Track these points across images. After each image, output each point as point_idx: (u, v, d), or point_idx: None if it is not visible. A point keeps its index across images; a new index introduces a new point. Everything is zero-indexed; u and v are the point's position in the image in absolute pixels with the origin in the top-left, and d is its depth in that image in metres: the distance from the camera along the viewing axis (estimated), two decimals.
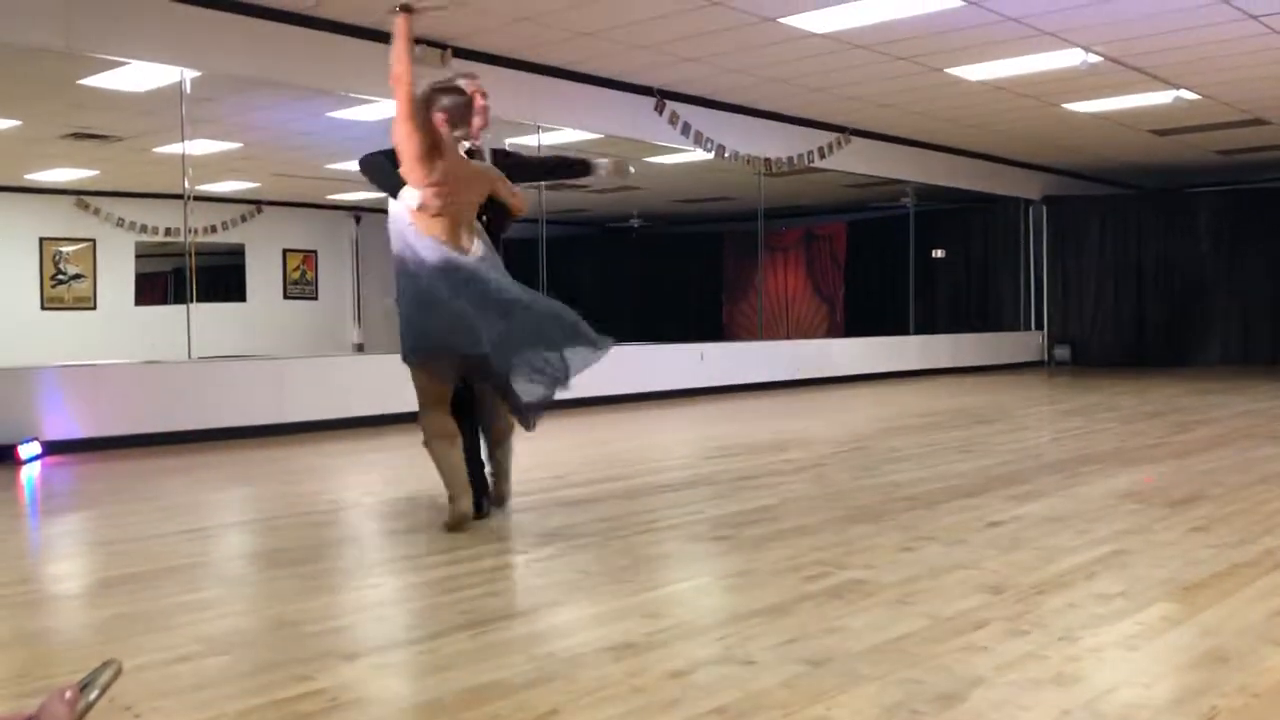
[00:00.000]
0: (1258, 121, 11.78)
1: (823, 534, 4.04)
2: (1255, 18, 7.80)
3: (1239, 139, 12.83)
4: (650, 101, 10.09)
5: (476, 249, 4.19)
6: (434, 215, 4.08)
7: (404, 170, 4.07)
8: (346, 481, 6.17)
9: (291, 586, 3.44)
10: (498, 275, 4.17)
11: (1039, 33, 8.12)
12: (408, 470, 5.59)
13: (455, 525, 4.18)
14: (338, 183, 14.20)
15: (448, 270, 4.05)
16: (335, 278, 16.68)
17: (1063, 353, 15.90)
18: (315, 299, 16.58)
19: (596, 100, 9.73)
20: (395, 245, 4.19)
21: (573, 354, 4.19)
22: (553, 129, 9.92)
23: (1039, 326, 16.22)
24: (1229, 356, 14.62)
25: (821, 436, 7.53)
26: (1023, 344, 15.86)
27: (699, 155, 10.98)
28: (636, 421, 8.89)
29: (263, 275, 15.92)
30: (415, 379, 4.24)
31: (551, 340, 4.16)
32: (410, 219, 4.12)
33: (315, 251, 16.56)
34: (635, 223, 18.45)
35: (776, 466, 5.91)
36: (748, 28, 7.98)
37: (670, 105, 10.23)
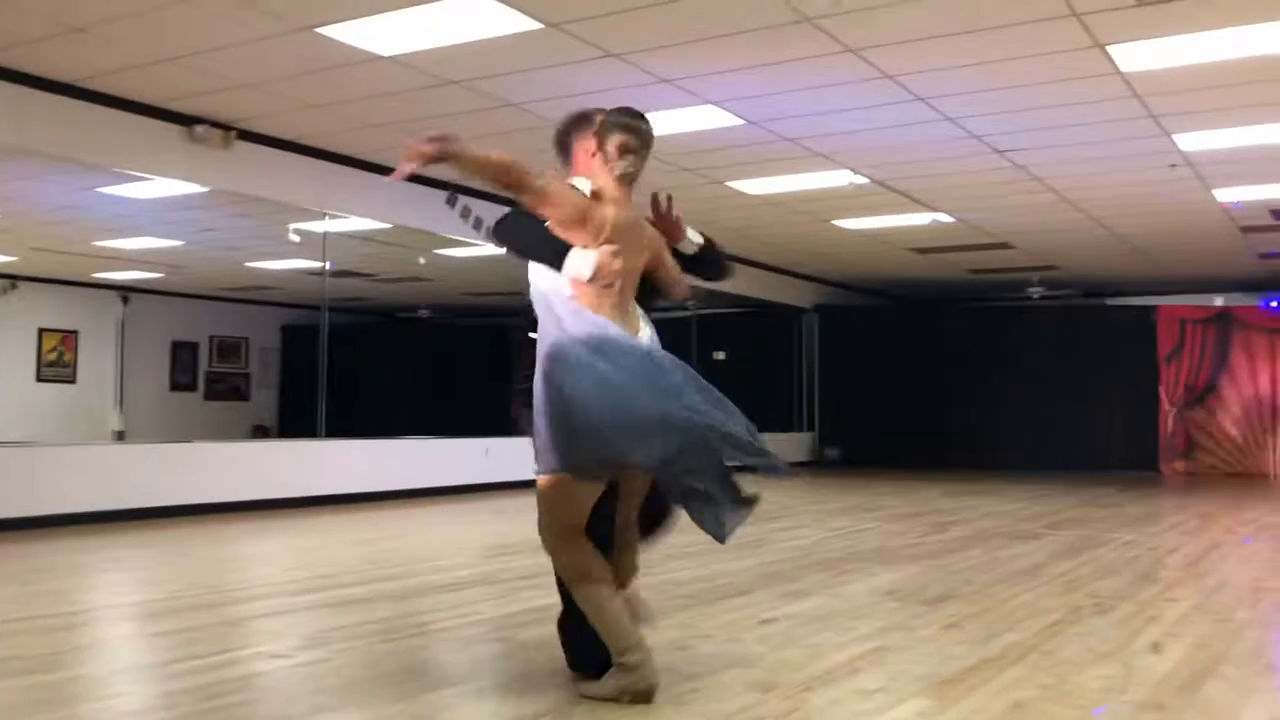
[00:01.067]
0: (1005, 245, 12.90)
1: None
2: (1000, 152, 8.60)
3: (988, 260, 13.99)
4: (442, 194, 10.11)
5: (645, 331, 3.30)
6: (606, 285, 3.15)
7: (559, 230, 3.18)
8: (97, 580, 5.74)
9: (24, 700, 3.16)
10: (681, 369, 3.17)
11: (812, 154, 8.68)
12: (165, 569, 5.27)
13: (647, 696, 3.09)
14: (105, 260, 13.47)
15: (633, 358, 3.09)
16: (97, 360, 15.71)
17: (833, 453, 16.66)
18: (73, 382, 15.54)
19: (387, 190, 9.67)
20: (548, 330, 3.23)
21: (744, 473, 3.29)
22: (341, 217, 9.78)
23: (811, 428, 16.96)
24: (982, 461, 15.67)
25: None
26: (796, 444, 16.52)
27: (489, 250, 11.04)
28: (416, 518, 8.69)
29: (14, 355, 14.82)
30: (554, 499, 3.18)
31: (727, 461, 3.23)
32: (571, 292, 3.18)
33: (76, 332, 15.57)
34: (424, 313, 18.29)
35: None
36: (540, 130, 8.14)
37: (462, 200, 10.28)
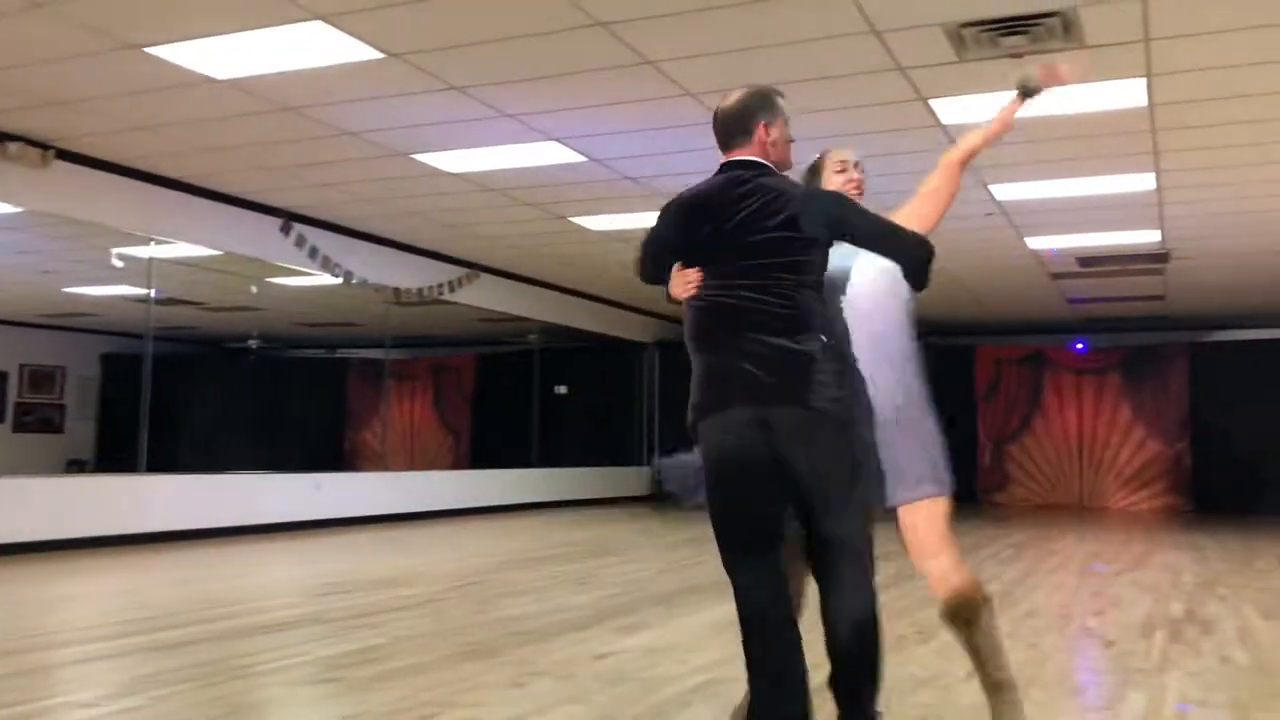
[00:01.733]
0: None
1: (434, 673, 3.98)
2: None
3: None
4: (277, 222, 9.85)
5: None
6: None
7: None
8: None
9: None
10: None
11: (654, 193, 8.83)
12: None
13: None
14: None
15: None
16: None
17: (672, 488, 16.83)
18: None
19: (219, 217, 9.36)
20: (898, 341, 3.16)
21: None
22: (168, 242, 9.41)
23: (651, 462, 17.12)
24: None
25: (440, 571, 7.46)
26: (636, 478, 16.65)
27: (326, 280, 10.81)
28: (242, 556, 8.37)
29: None
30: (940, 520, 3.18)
31: None
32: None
33: None
34: (254, 343, 17.70)
35: (391, 603, 5.77)
36: (381, 160, 8.06)
37: (297, 228, 10.03)
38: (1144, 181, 8.23)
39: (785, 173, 3.09)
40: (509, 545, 9.32)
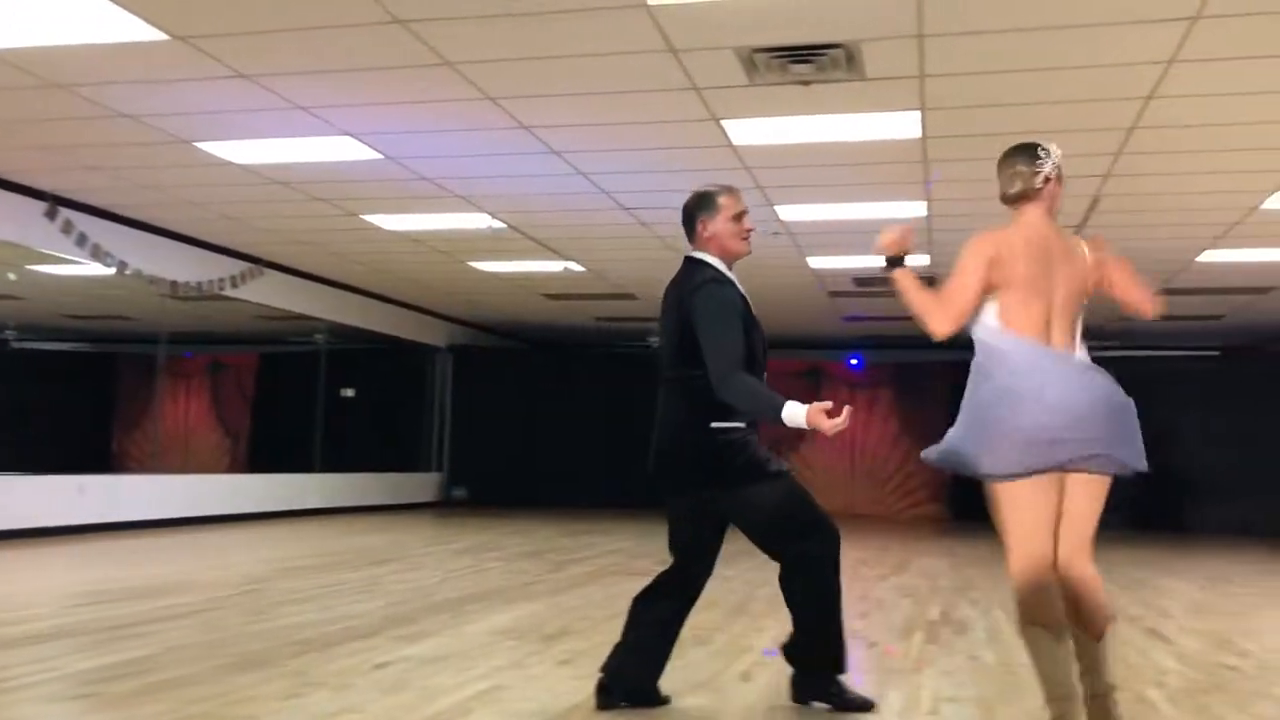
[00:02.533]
0: (629, 296, 13.60)
1: (203, 685, 3.82)
2: (627, 209, 9.10)
3: (614, 309, 14.68)
4: (41, 206, 9.20)
5: None
6: None
7: None
8: None
9: None
10: None
11: (450, 194, 8.75)
12: None
13: None
14: None
15: None
16: None
17: (460, 493, 16.69)
18: None
19: None
20: None
21: None
22: None
23: (440, 468, 16.91)
24: (605, 500, 16.26)
25: (213, 579, 7.14)
26: (424, 484, 16.40)
27: (97, 270, 10.16)
28: None
29: None
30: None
31: None
32: None
33: None
34: (10, 334, 16.42)
35: (158, 613, 5.49)
36: (162, 146, 7.66)
37: (64, 213, 9.40)
38: (916, 209, 8.77)
39: (736, 255, 3.75)
40: (288, 552, 9.01)
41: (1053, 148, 3.35)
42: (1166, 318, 3.58)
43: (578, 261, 11.50)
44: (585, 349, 18.40)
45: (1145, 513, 13.65)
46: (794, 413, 3.35)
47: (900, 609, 6.34)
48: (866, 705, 3.70)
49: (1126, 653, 5.02)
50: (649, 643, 3.71)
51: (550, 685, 3.97)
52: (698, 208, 3.74)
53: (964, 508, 16.10)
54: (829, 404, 3.36)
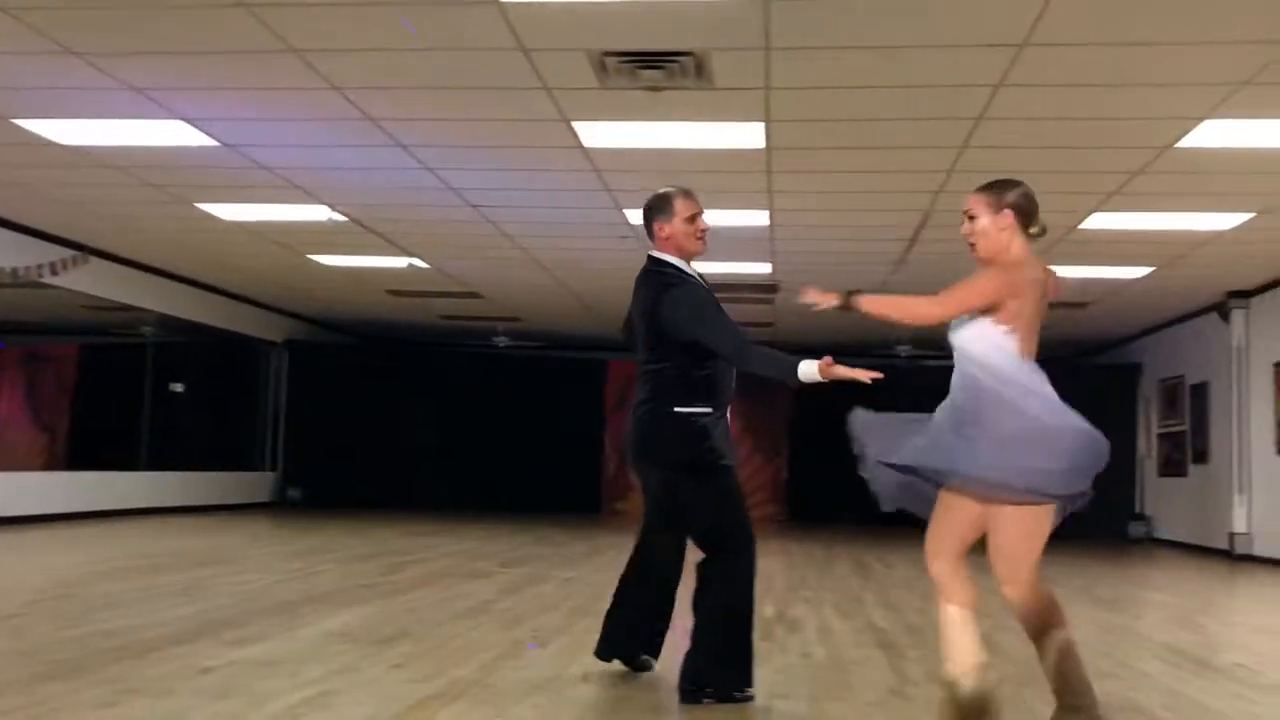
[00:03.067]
0: (475, 294, 13.47)
1: (10, 696, 3.58)
2: (475, 206, 9.00)
3: (459, 307, 14.51)
4: None
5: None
6: None
7: None
8: None
9: None
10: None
11: (291, 185, 8.49)
12: None
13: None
14: None
15: None
16: None
17: (295, 494, 16.20)
18: None
19: None
20: None
21: None
22: None
23: (274, 467, 16.38)
24: (443, 502, 16.05)
25: (23, 583, 6.72)
26: (257, 484, 15.86)
27: None
28: None
29: None
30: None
31: None
32: None
33: None
34: None
35: None
36: None
37: None
38: (759, 218, 8.96)
39: (692, 254, 4.01)
40: (107, 554, 8.57)
41: None
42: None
43: (422, 258, 11.32)
44: (429, 348, 18.12)
45: None
46: (808, 369, 3.71)
47: None
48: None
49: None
50: (631, 616, 4.19)
51: (384, 689, 3.88)
52: (654, 211, 4.03)
53: (800, 509, 16.55)
54: (829, 358, 3.71)
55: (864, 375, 3.65)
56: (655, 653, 4.25)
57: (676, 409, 3.85)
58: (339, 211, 9.34)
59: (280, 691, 3.75)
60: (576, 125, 6.82)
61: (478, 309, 14.60)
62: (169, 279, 12.91)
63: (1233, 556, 11.48)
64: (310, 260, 11.62)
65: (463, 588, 6.90)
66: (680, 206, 3.99)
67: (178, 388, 15.47)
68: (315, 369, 16.57)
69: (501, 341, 16.95)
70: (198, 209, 9.41)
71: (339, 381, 16.60)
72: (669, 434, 3.87)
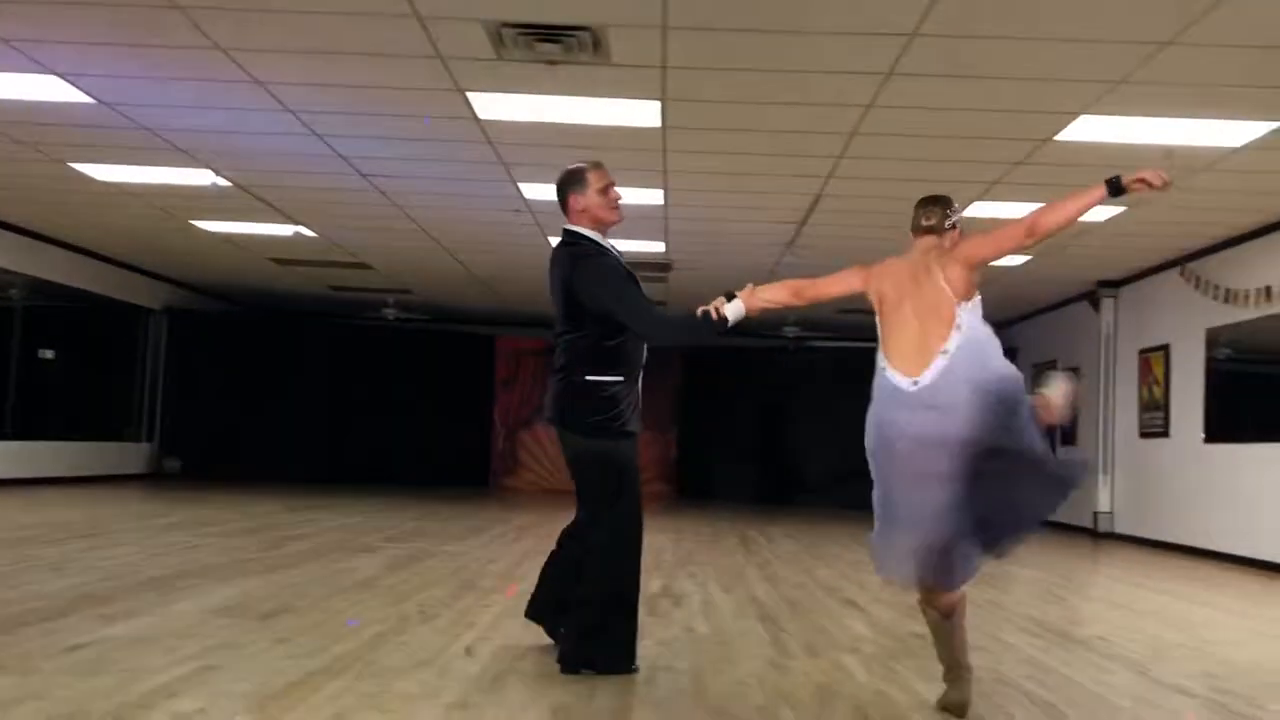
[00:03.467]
0: (364, 265, 13.23)
1: None
2: (365, 176, 8.84)
3: (348, 278, 14.24)
4: None
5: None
6: None
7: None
8: None
9: None
10: None
11: (171, 147, 8.20)
12: None
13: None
14: None
15: None
16: None
17: (174, 465, 15.73)
18: None
19: None
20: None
21: None
22: None
23: (150, 438, 15.87)
24: (329, 475, 15.75)
25: None
26: (133, 455, 15.35)
27: None
28: None
29: None
30: None
31: None
32: None
33: None
34: None
35: None
36: None
37: None
38: (654, 196, 9.00)
39: (608, 223, 4.12)
40: None
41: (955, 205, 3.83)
42: (827, 300, 3.98)
43: (310, 227, 11.07)
44: (316, 318, 17.74)
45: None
46: (736, 312, 3.88)
47: None
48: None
49: (824, 620, 5.39)
50: (556, 588, 4.19)
51: (266, 664, 3.82)
52: (568, 184, 4.11)
53: (690, 487, 16.74)
54: (750, 286, 3.93)
55: (785, 294, 3.92)
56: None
57: (588, 378, 3.94)
58: (223, 176, 9.07)
59: (155, 669, 3.66)
60: (471, 96, 6.74)
61: (367, 280, 14.34)
62: (39, 240, 12.37)
63: (1096, 534, 12.02)
64: (192, 226, 11.25)
65: (348, 562, 6.81)
66: (593, 178, 4.09)
67: (47, 354, 14.83)
68: (196, 337, 16.07)
69: (391, 314, 16.68)
70: (72, 169, 9.03)
71: (221, 351, 16.14)
72: (581, 401, 3.96)
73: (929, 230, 3.72)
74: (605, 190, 4.10)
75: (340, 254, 12.50)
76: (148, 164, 8.76)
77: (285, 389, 16.31)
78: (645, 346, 4.11)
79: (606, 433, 3.96)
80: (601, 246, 4.09)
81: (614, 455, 3.97)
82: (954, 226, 3.72)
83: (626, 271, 4.09)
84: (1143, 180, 3.36)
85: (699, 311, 3.93)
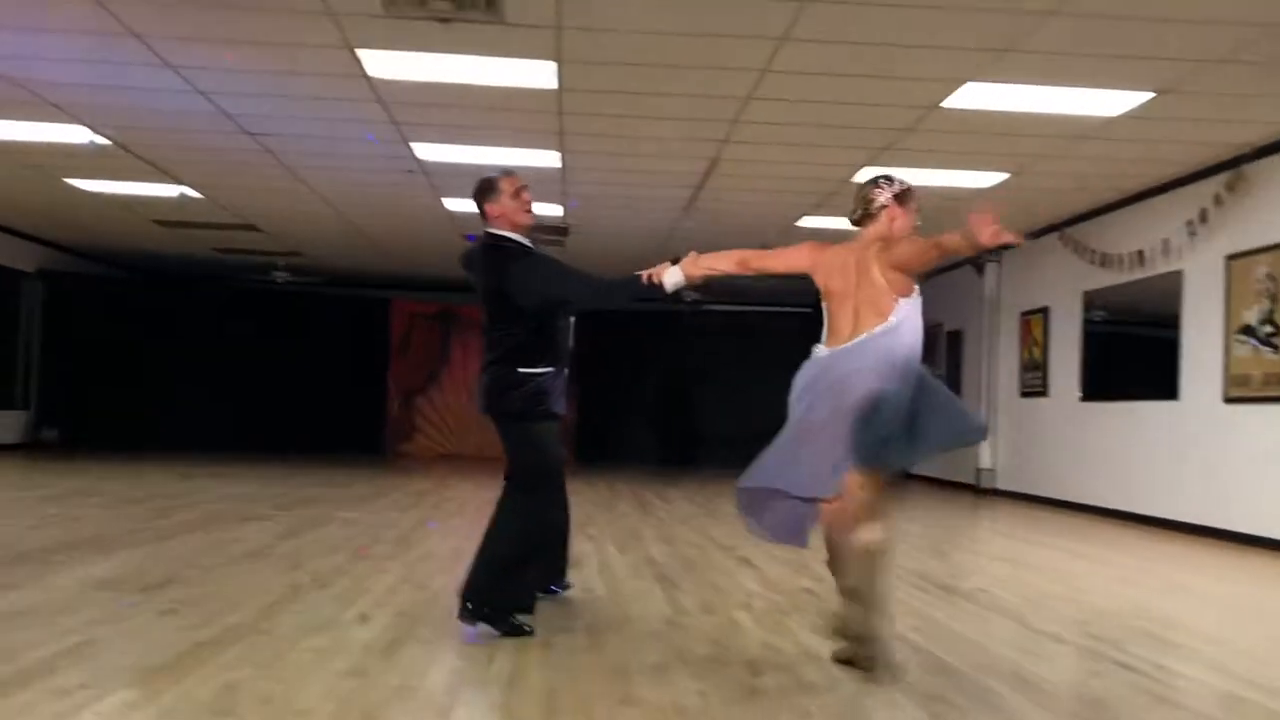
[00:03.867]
0: (253, 227, 12.86)
1: None
2: (252, 134, 8.57)
3: (235, 240, 13.83)
4: None
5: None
6: None
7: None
8: None
9: None
10: None
11: (44, 102, 7.83)
12: None
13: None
14: None
15: None
16: None
17: (51, 434, 15.16)
18: None
19: None
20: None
21: None
22: None
23: (27, 405, 15.25)
24: (217, 443, 15.37)
25: None
26: (8, 423, 14.73)
27: None
28: None
29: None
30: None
31: None
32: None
33: None
34: None
35: None
36: None
37: None
38: (550, 159, 8.94)
39: (524, 225, 4.37)
40: None
41: (896, 178, 3.96)
42: (772, 275, 4.13)
43: (195, 187, 10.71)
44: (202, 281, 17.21)
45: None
46: (674, 279, 4.05)
47: None
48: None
49: (719, 578, 5.49)
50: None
51: (152, 637, 3.74)
52: (482, 195, 4.38)
53: (588, 451, 16.80)
54: (693, 254, 4.04)
55: (729, 264, 4.02)
56: (559, 581, 4.74)
57: (520, 369, 4.18)
58: (101, 134, 8.70)
59: (34, 643, 3.55)
60: (361, 53, 6.57)
61: (256, 242, 13.95)
62: None
63: (978, 490, 12.44)
64: (68, 185, 10.78)
65: (239, 531, 6.68)
66: (505, 185, 4.35)
67: None
68: (74, 301, 15.45)
69: (282, 277, 16.27)
70: None
71: (102, 315, 15.56)
72: (512, 391, 4.18)
73: (857, 223, 3.93)
74: (518, 193, 4.34)
75: (227, 216, 12.13)
76: (18, 119, 8.35)
77: (170, 355, 15.83)
78: (571, 336, 4.41)
79: (531, 416, 4.19)
80: (525, 245, 4.35)
81: (537, 435, 4.21)
82: (884, 207, 3.87)
83: (556, 260, 4.44)
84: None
85: (643, 276, 4.11)
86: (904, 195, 3.91)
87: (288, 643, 3.72)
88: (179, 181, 10.45)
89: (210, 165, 9.74)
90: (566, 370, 4.37)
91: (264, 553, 5.83)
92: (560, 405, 4.32)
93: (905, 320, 3.68)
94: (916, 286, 3.77)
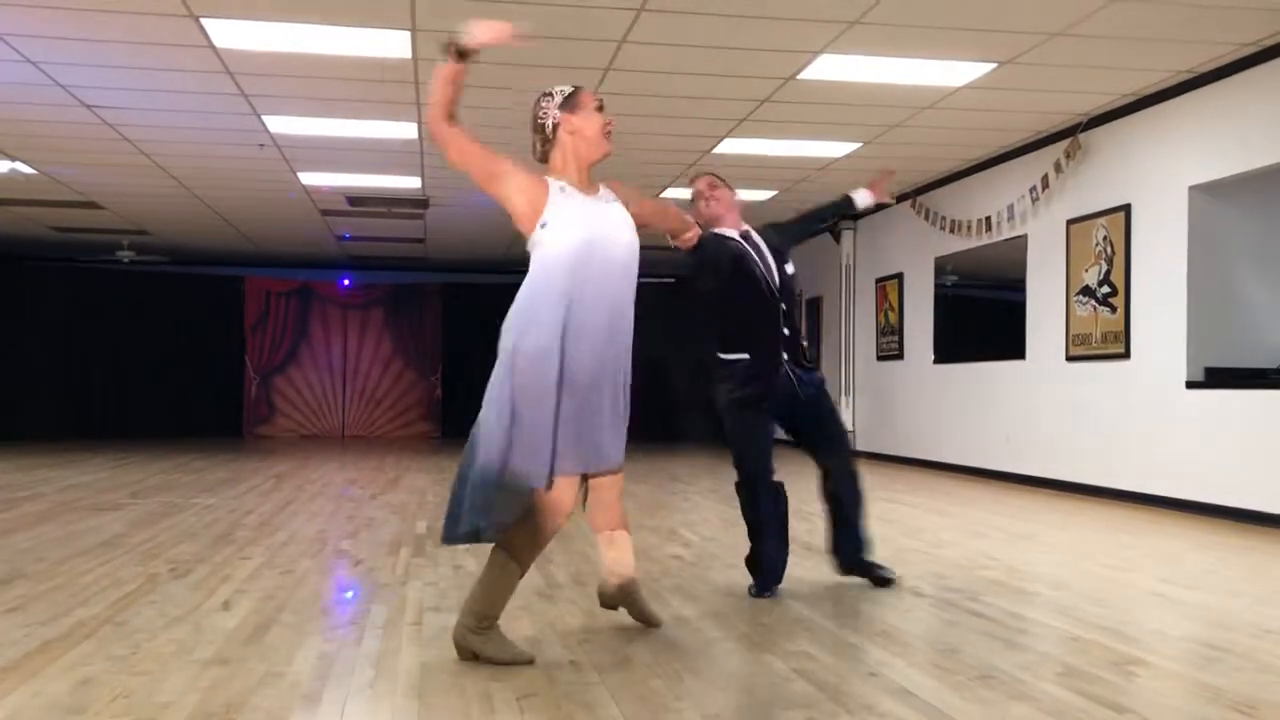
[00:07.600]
0: (94, 205, 12.26)
1: None
2: (90, 107, 8.16)
3: (75, 218, 13.17)
4: None
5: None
6: None
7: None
8: None
9: None
10: None
11: None
12: None
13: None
14: None
15: None
16: None
17: None
18: None
19: None
20: None
21: None
22: None
23: None
24: (64, 430, 14.71)
25: None
26: None
27: None
28: None
29: None
30: None
31: None
32: None
33: None
34: None
35: None
36: None
37: None
38: (407, 130, 8.77)
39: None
40: None
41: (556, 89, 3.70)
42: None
43: (28, 163, 10.14)
44: (39, 262, 16.34)
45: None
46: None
47: (389, 525, 6.46)
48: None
49: (590, 551, 5.52)
50: None
51: None
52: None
53: (454, 427, 16.64)
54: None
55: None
56: None
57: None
58: None
59: None
60: (206, 22, 6.32)
61: (98, 220, 13.31)
62: None
63: None
64: None
65: (89, 522, 6.40)
66: (702, 186, 5.08)
67: None
68: None
69: (127, 256, 15.55)
70: None
71: None
72: None
73: None
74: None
75: (65, 193, 11.54)
76: None
77: (8, 339, 15.03)
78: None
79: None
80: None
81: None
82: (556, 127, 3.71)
83: None
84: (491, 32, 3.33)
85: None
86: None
87: (146, 634, 3.60)
88: (12, 157, 9.90)
89: (45, 140, 9.24)
90: None
91: (117, 542, 5.61)
92: None
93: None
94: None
